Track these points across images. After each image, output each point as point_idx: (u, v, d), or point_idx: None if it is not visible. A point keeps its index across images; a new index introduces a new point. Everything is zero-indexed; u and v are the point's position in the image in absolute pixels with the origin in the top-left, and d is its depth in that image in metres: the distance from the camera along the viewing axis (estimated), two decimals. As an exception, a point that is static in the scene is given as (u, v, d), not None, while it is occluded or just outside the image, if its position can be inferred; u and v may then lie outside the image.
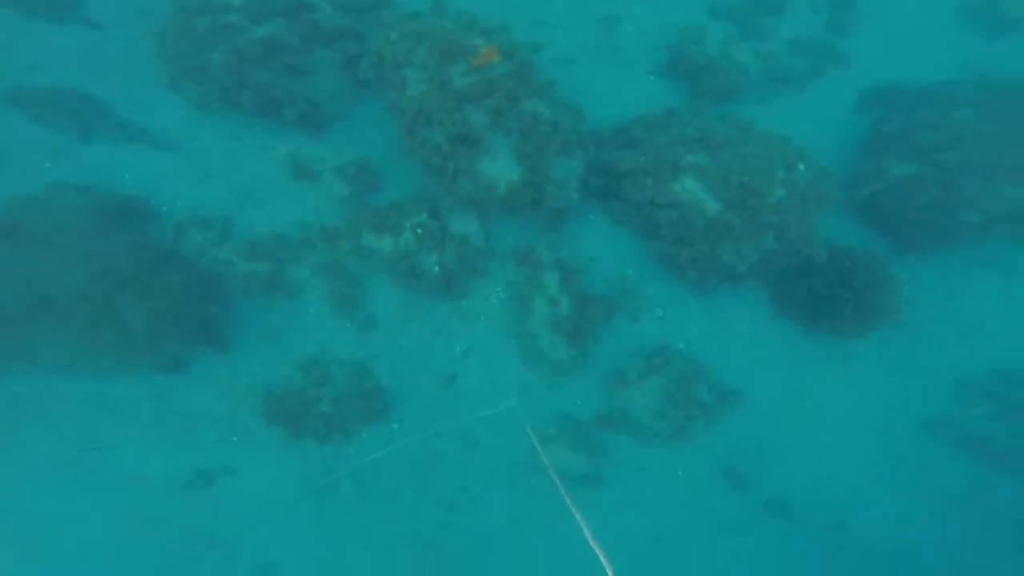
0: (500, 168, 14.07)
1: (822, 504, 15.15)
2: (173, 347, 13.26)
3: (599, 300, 14.79)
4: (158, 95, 14.65)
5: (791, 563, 14.89)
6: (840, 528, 15.11)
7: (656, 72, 17.25)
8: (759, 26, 18.46)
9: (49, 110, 14.07)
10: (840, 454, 15.46)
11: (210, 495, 13.21)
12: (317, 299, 14.29)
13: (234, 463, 13.40)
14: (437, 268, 14.31)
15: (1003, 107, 16.20)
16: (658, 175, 15.06)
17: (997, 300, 16.56)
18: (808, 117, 17.47)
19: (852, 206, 16.67)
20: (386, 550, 13.41)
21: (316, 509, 13.40)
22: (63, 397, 12.98)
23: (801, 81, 17.81)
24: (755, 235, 14.80)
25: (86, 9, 14.88)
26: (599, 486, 14.26)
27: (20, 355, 12.47)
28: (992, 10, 18.93)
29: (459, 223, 14.67)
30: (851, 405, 15.75)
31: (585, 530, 12.41)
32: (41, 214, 13.05)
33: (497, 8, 16.02)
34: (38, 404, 12.88)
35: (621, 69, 16.94)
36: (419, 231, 14.25)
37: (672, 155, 15.23)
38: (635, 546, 14.43)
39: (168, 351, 13.25)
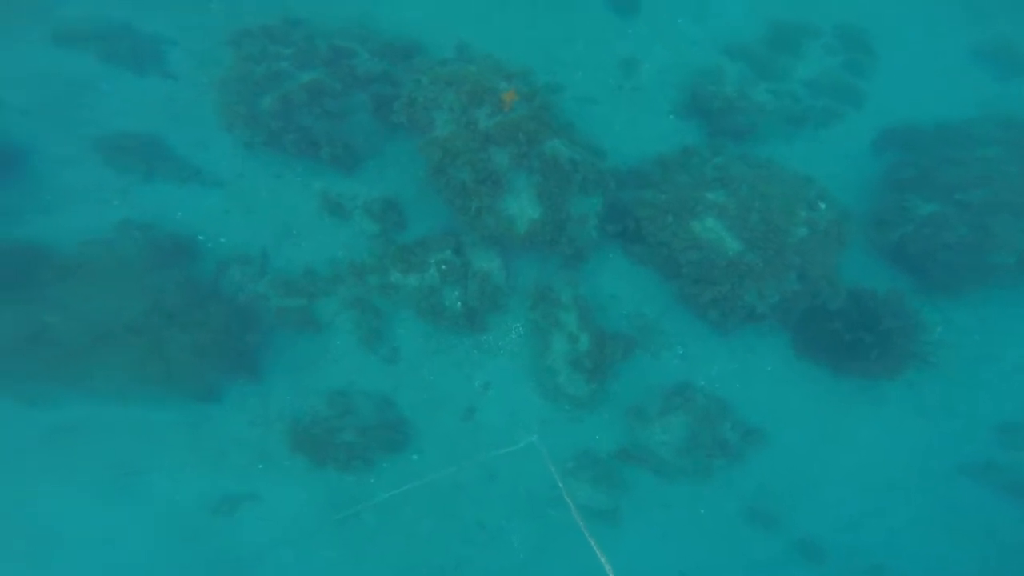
0: (522, 206, 14.09)
1: (856, 546, 14.40)
2: (211, 377, 13.46)
3: (618, 337, 14.46)
4: (214, 137, 15.18)
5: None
6: (878, 570, 14.28)
7: (675, 112, 17.07)
8: (775, 66, 18.21)
9: (122, 153, 14.78)
10: (872, 496, 14.71)
11: (234, 520, 13.23)
12: (345, 332, 14.35)
13: (259, 489, 13.41)
14: (459, 304, 14.27)
15: (1029, 146, 15.62)
16: (678, 214, 14.81)
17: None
18: (827, 156, 16.98)
19: (877, 247, 16.04)
20: (405, 578, 13.23)
21: (336, 537, 13.27)
22: (112, 423, 13.25)
23: (819, 120, 17.37)
24: (777, 275, 14.34)
25: (166, 62, 15.73)
26: (618, 522, 13.82)
27: (79, 383, 12.86)
28: (1006, 52, 18.37)
29: (481, 260, 14.62)
30: (882, 447, 14.98)
31: (607, 567, 12.04)
32: (107, 252, 13.62)
33: (520, 50, 16.18)
34: (90, 429, 13.17)
35: (641, 109, 16.81)
36: (443, 267, 14.31)
37: (692, 194, 14.99)
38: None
39: (206, 381, 13.45)
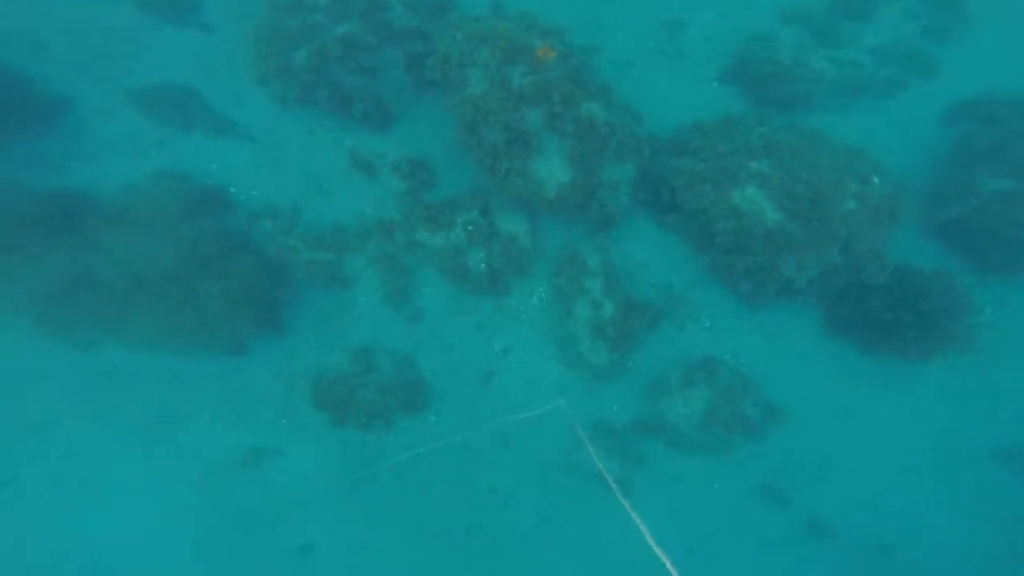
0: (552, 169, 13.55)
1: (868, 526, 13.69)
2: (242, 329, 13.47)
3: (644, 306, 13.83)
4: (248, 90, 15.12)
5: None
6: (887, 551, 13.56)
7: (719, 78, 16.01)
8: (839, 33, 16.84)
9: (160, 105, 14.91)
10: (891, 477, 13.93)
11: (258, 474, 13.28)
12: (370, 288, 14.19)
13: (282, 444, 13.42)
14: (483, 265, 13.89)
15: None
16: (717, 182, 13.99)
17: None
18: (887, 129, 15.66)
19: (930, 224, 14.81)
20: (417, 539, 13.07)
21: (353, 494, 13.24)
22: (145, 372, 13.45)
23: (880, 91, 15.99)
24: (819, 247, 13.39)
25: (203, 14, 15.72)
26: (629, 493, 13.35)
27: (115, 329, 13.09)
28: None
29: (508, 222, 14.17)
30: (907, 428, 14.11)
31: (643, 529, 11.59)
32: (144, 200, 13.77)
33: (557, 10, 15.40)
34: (125, 376, 13.41)
35: (682, 74, 15.87)
36: (469, 228, 13.94)
37: (734, 163, 14.10)
38: (666, 554, 13.50)
39: (236, 332, 13.47)
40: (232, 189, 14.63)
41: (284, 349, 13.83)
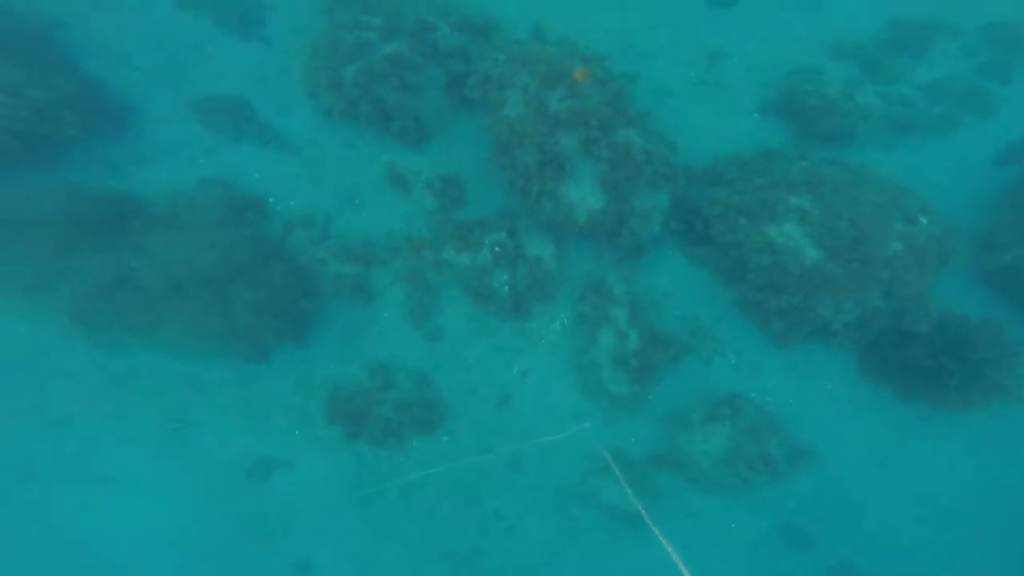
0: (584, 194, 13.35)
1: (903, 575, 12.94)
2: (266, 337, 13.55)
3: (669, 339, 13.43)
4: (297, 103, 15.47)
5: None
6: None
7: (760, 110, 15.57)
8: (890, 68, 16.25)
9: (215, 113, 15.41)
10: (931, 527, 13.15)
11: (266, 484, 13.26)
12: (394, 305, 14.20)
13: (293, 455, 13.39)
14: (507, 287, 13.74)
15: None
16: (753, 216, 13.54)
17: None
18: (936, 168, 14.94)
19: (980, 270, 13.98)
20: (420, 560, 12.83)
21: (359, 510, 13.09)
22: (169, 374, 13.62)
23: (931, 128, 15.28)
24: (860, 289, 12.75)
25: (266, 28, 16.23)
26: (642, 526, 12.73)
27: (146, 331, 13.26)
28: None
29: (535, 245, 13.98)
30: (950, 478, 13.34)
31: (676, 558, 11.07)
32: (188, 206, 14.08)
33: (598, 36, 15.35)
34: (150, 378, 13.61)
35: (722, 104, 15.50)
36: (496, 249, 13.81)
37: (772, 196, 13.60)
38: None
39: (260, 341, 13.55)
40: (271, 198, 14.91)
41: (305, 360, 13.88)
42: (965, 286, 14.13)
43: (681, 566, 10.79)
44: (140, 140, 15.10)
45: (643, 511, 12.17)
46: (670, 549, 11.15)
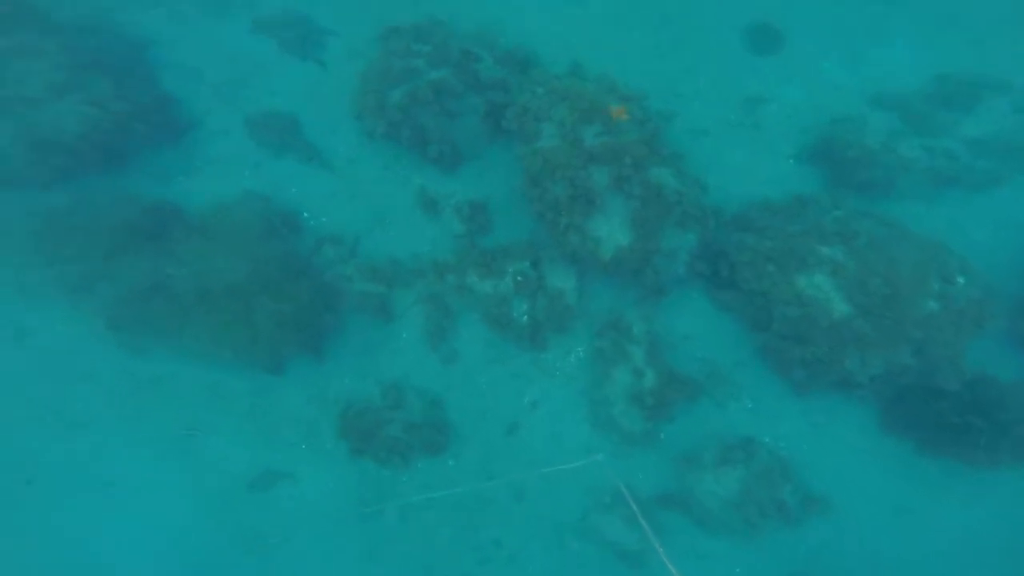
0: (612, 230, 13.33)
1: None
2: (286, 350, 13.60)
3: (685, 379, 13.16)
4: (343, 124, 15.94)
5: None
6: None
7: (797, 157, 15.35)
8: (934, 121, 15.90)
9: (265, 129, 15.99)
10: None
11: (267, 496, 13.13)
12: (412, 326, 14.25)
13: (296, 469, 13.28)
14: (525, 317, 13.70)
15: None
16: (782, 264, 13.26)
17: None
18: (978, 225, 14.40)
19: (1018, 335, 13.41)
20: (418, 584, 12.61)
21: (357, 529, 12.90)
22: (184, 381, 13.66)
23: (975, 184, 14.78)
24: (889, 346, 12.29)
25: (323, 51, 16.95)
26: (642, 565, 12.50)
27: (169, 339, 13.39)
28: None
29: (558, 278, 13.93)
30: (978, 536, 12.62)
31: None
32: (227, 217, 14.47)
33: (636, 75, 15.38)
34: (167, 385, 13.65)
35: (758, 148, 15.30)
36: (519, 279, 13.83)
37: (803, 245, 13.34)
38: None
39: (279, 353, 13.60)
40: (305, 213, 15.29)
41: (321, 374, 13.94)
42: (1002, 349, 13.46)
43: None
44: (194, 151, 15.72)
45: (659, 547, 11.82)
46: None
